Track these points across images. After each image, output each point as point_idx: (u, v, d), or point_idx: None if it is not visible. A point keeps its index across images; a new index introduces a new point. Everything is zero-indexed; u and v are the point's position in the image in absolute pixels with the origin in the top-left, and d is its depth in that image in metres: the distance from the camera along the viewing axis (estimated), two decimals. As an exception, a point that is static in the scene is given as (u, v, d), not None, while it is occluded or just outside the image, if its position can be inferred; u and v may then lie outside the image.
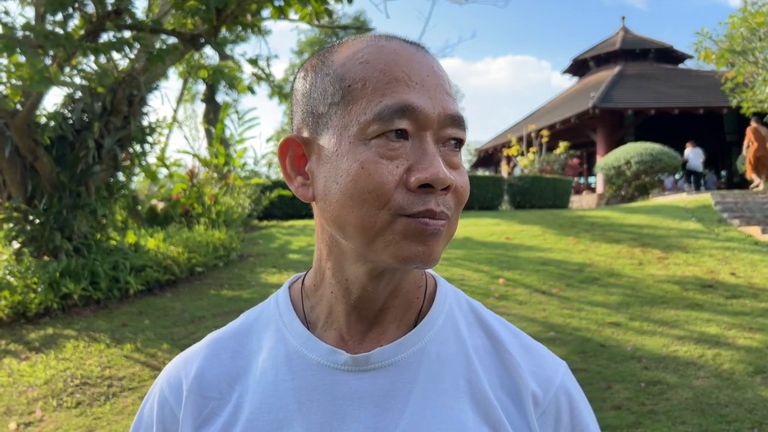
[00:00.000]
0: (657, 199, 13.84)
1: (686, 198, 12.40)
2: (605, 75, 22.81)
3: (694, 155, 16.30)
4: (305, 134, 0.68)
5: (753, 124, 13.82)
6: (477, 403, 0.68)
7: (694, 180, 16.66)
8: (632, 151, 15.49)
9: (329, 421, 0.66)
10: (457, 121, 0.65)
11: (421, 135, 0.62)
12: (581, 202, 18.29)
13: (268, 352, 0.71)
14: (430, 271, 0.77)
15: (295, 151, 0.69)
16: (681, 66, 25.00)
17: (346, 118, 0.63)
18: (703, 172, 18.08)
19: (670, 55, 24.87)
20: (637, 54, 24.09)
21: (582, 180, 23.48)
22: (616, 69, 22.88)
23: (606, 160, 16.24)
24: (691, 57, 23.23)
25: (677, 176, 17.41)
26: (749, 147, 13.71)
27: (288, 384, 0.68)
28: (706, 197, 11.76)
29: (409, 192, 0.61)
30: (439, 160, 0.61)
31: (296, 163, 0.70)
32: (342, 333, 0.70)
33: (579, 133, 20.94)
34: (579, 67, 26.66)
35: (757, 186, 13.62)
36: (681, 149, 16.43)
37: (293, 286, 0.77)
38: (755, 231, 8.88)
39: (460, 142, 0.66)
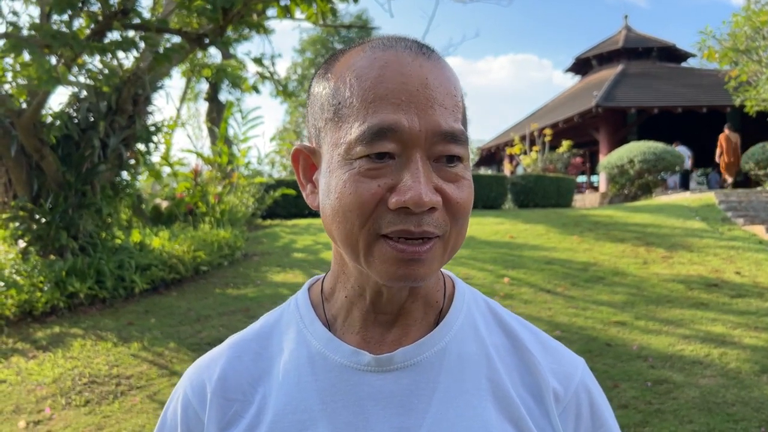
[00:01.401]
0: (660, 198, 13.83)
1: (690, 197, 12.39)
2: (608, 74, 22.76)
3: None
4: (313, 144, 0.70)
5: (726, 131, 14.50)
6: (499, 402, 0.68)
7: (681, 179, 16.75)
8: (635, 149, 15.47)
9: (354, 421, 0.66)
10: (450, 137, 0.62)
11: (408, 153, 0.61)
12: (584, 201, 18.28)
13: (290, 354, 0.72)
14: (447, 272, 0.78)
15: (306, 159, 0.72)
16: (684, 64, 24.94)
17: (336, 135, 0.64)
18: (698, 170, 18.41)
19: (673, 54, 24.81)
20: (640, 52, 24.03)
21: (581, 178, 23.45)
22: (619, 68, 22.83)
23: (609, 159, 16.22)
24: (694, 55, 23.16)
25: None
26: (721, 154, 14.67)
27: (311, 385, 0.69)
28: (710, 196, 11.75)
29: (390, 211, 0.61)
30: (422, 182, 0.60)
31: (308, 172, 0.72)
32: (363, 335, 0.71)
33: (582, 131, 20.91)
34: (581, 66, 26.62)
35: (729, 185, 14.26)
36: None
37: (312, 288, 0.78)
38: (760, 230, 8.87)
39: (458, 157, 0.64)
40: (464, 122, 0.67)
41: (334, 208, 0.63)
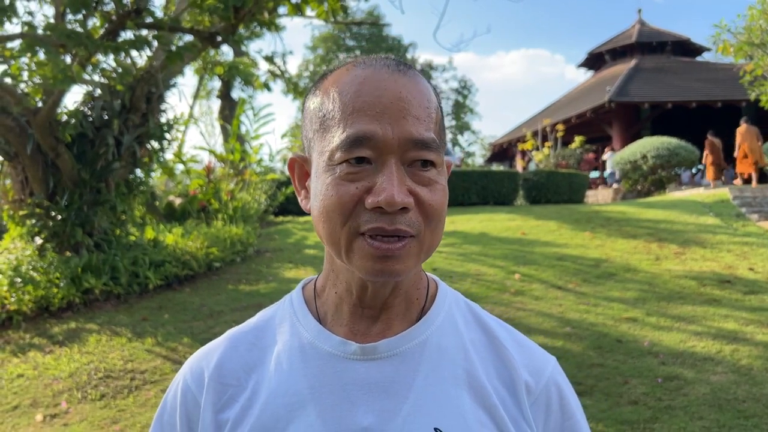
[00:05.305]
0: (674, 194, 13.73)
1: (703, 193, 12.29)
2: (621, 68, 22.59)
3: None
4: (306, 153, 0.78)
5: (709, 137, 14.98)
6: (474, 390, 0.75)
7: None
8: (649, 145, 15.36)
9: (340, 404, 0.73)
10: (420, 145, 0.69)
11: (383, 159, 0.68)
12: (597, 197, 18.18)
13: (283, 344, 0.79)
14: (432, 276, 0.85)
15: (300, 167, 0.80)
16: (698, 59, 24.67)
17: (322, 144, 0.72)
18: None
19: (687, 48, 24.56)
20: (654, 47, 23.82)
21: (594, 173, 23.31)
22: (633, 62, 22.65)
23: (622, 155, 16.12)
24: (708, 49, 22.95)
25: (694, 170, 17.27)
26: (706, 156, 15.13)
27: (301, 372, 0.75)
28: (724, 192, 11.64)
29: (367, 211, 0.68)
30: (395, 184, 0.67)
31: (302, 179, 0.81)
32: (350, 327, 0.77)
33: (595, 127, 20.78)
34: (594, 61, 26.43)
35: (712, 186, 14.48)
36: (699, 143, 16.24)
37: (306, 287, 0.86)
38: (774, 226, 8.79)
39: (431, 162, 0.70)
40: (441, 131, 0.74)
41: (319, 209, 0.71)
